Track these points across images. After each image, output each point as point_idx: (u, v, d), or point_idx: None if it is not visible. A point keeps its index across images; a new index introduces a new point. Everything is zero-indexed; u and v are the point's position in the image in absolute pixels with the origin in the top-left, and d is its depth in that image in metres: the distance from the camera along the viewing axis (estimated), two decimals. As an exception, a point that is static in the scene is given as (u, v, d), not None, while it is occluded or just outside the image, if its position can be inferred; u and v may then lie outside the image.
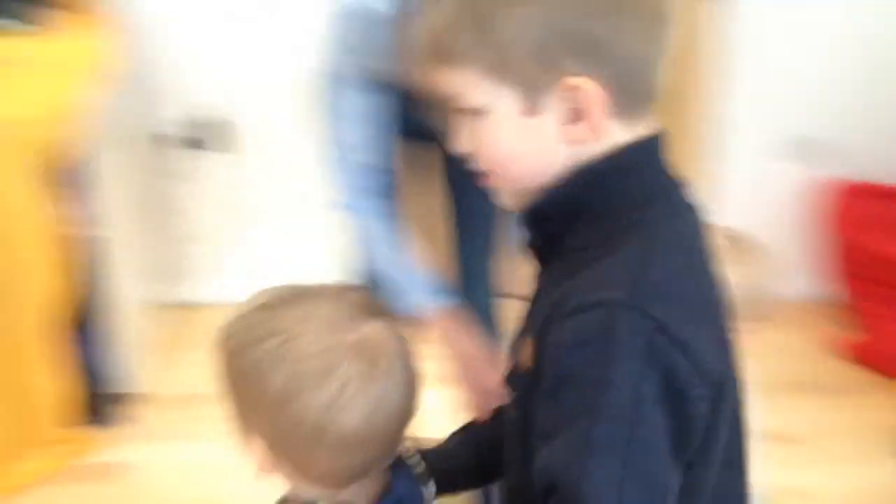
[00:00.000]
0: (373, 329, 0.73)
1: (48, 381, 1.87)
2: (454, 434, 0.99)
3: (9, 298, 1.79)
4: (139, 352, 2.19)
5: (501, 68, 0.69)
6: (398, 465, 0.81)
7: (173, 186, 2.41)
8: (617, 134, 0.71)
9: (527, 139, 0.71)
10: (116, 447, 2.02)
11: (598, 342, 0.64)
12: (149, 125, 2.32)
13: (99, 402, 2.03)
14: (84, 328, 1.94)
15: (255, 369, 0.71)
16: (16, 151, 1.74)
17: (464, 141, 0.74)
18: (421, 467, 0.85)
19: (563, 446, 0.65)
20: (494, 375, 1.06)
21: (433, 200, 1.53)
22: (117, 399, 2.08)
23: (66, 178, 1.82)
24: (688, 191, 0.76)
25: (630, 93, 0.70)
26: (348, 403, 0.69)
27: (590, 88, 0.68)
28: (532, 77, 0.68)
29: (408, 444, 0.82)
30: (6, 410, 1.88)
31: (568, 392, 0.66)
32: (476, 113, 0.72)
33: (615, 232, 0.70)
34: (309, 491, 0.77)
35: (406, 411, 0.75)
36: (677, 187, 0.75)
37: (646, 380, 0.63)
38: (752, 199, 2.36)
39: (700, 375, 0.66)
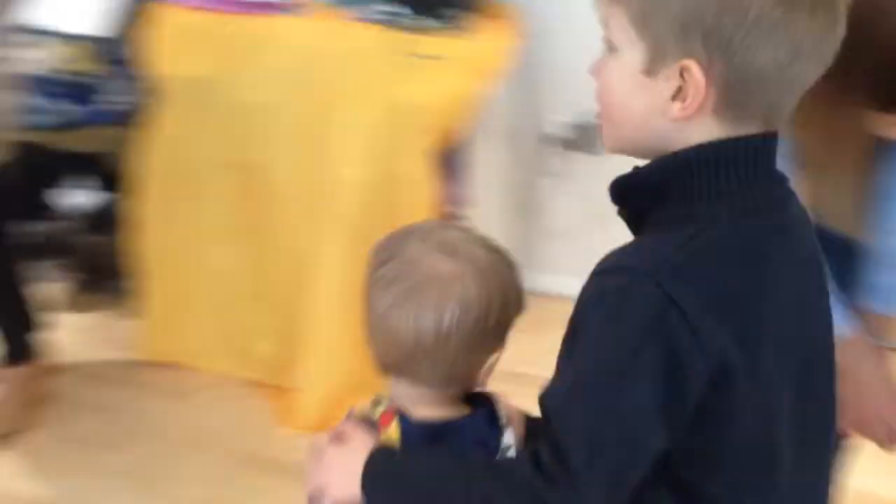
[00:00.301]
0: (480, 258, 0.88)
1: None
2: None
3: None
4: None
5: (644, 22, 0.74)
6: (482, 405, 0.91)
7: (546, 183, 2.59)
8: (714, 129, 0.75)
9: (635, 93, 0.76)
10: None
11: (614, 302, 0.72)
12: (534, 124, 2.52)
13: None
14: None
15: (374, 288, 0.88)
16: (420, 133, 2.03)
17: (595, 67, 0.80)
18: (505, 419, 0.92)
19: (560, 385, 0.74)
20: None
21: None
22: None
23: (449, 160, 2.08)
24: (789, 201, 0.81)
25: (738, 99, 0.73)
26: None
27: (698, 77, 0.72)
28: (663, 43, 0.73)
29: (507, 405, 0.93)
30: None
31: (577, 338, 0.74)
32: (611, 48, 0.77)
33: (681, 216, 0.76)
34: (394, 389, 0.90)
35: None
36: (764, 191, 0.78)
37: (647, 346, 0.70)
38: None
39: (704, 355, 0.70)
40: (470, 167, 2.16)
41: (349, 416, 0.92)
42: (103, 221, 2.52)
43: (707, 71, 0.72)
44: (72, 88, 2.47)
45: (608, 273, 0.75)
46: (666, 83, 0.74)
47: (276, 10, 2.18)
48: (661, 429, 0.72)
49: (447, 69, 2.08)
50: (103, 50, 2.49)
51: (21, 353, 2.10)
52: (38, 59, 2.50)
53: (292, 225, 2.10)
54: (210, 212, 2.21)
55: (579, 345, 0.75)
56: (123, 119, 2.47)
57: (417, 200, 2.05)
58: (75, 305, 2.56)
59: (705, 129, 0.75)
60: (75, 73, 2.48)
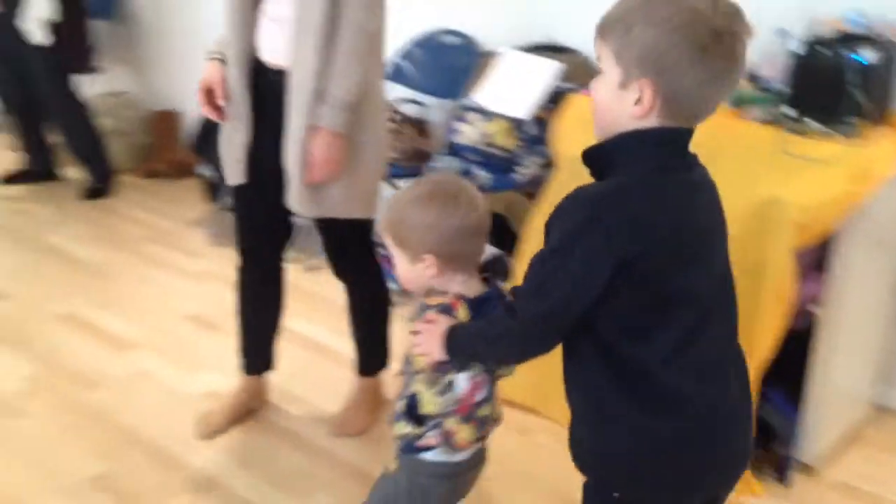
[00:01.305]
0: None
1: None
2: None
3: (747, 336, 2.14)
4: (830, 433, 2.33)
5: (619, 56, 1.16)
6: (493, 281, 1.46)
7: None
8: (655, 123, 1.18)
9: (613, 100, 1.19)
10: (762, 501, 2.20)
11: (568, 214, 1.18)
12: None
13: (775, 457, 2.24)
14: (779, 386, 2.19)
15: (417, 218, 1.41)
16: (789, 229, 2.09)
17: (592, 85, 1.23)
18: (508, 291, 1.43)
19: (533, 258, 1.22)
20: None
21: None
22: (786, 461, 2.26)
23: (812, 258, 2.09)
24: (696, 169, 1.26)
25: (671, 106, 1.16)
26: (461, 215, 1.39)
27: (649, 92, 1.15)
28: (630, 69, 1.15)
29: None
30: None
31: (546, 236, 1.21)
32: (601, 71, 1.20)
33: (622, 171, 1.20)
34: (451, 284, 1.42)
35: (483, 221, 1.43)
36: (682, 161, 1.23)
37: (579, 239, 1.15)
38: None
39: (610, 251, 1.14)
40: (834, 268, 2.16)
41: (426, 309, 1.42)
42: (489, 272, 2.90)
43: (654, 88, 1.14)
44: (488, 158, 2.93)
45: (569, 198, 1.19)
46: (631, 94, 1.16)
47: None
48: (581, 293, 1.18)
49: (825, 171, 2.12)
50: (519, 128, 2.92)
51: (371, 367, 2.47)
52: (469, 132, 3.01)
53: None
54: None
55: (547, 240, 1.21)
56: (524, 188, 2.86)
57: (775, 293, 2.10)
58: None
59: (651, 123, 1.18)
60: (494, 146, 2.93)
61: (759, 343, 2.12)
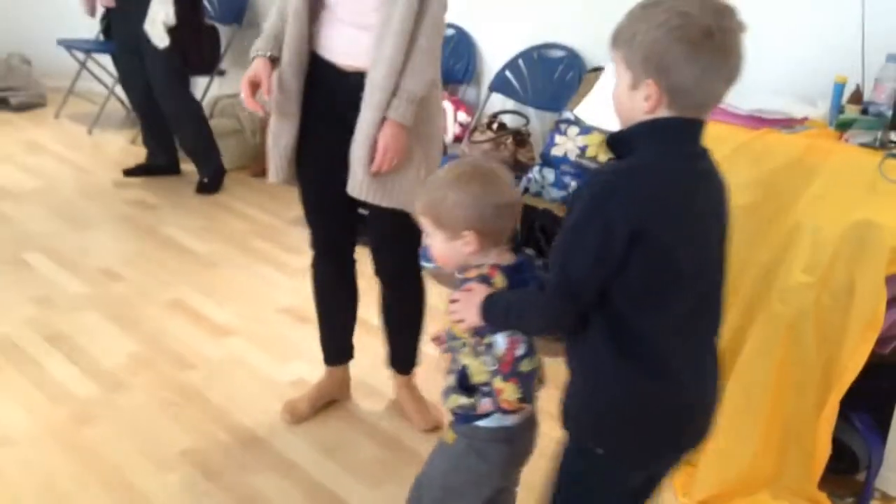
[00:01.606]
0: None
1: (823, 440, 2.12)
2: None
3: (831, 359, 2.10)
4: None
5: (629, 62, 1.31)
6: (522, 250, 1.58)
7: None
8: (665, 114, 1.32)
9: (627, 99, 1.34)
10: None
11: (586, 192, 1.32)
12: None
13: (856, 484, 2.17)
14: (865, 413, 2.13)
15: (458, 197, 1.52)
16: (884, 255, 2.03)
17: (612, 89, 1.37)
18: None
19: (556, 240, 1.36)
20: None
21: None
22: (867, 490, 2.18)
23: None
24: (706, 160, 1.37)
25: (675, 99, 1.30)
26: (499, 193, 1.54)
27: (654, 89, 1.30)
28: (638, 71, 1.31)
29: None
30: (787, 448, 2.20)
31: (568, 214, 1.35)
32: (617, 76, 1.35)
33: (638, 155, 1.32)
34: (486, 259, 1.54)
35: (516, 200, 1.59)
36: (692, 149, 1.36)
37: (595, 216, 1.28)
38: None
39: (627, 218, 1.26)
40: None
41: (464, 282, 1.53)
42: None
43: (658, 85, 1.29)
44: (583, 171, 2.94)
45: (592, 174, 1.41)
46: (641, 93, 1.31)
47: (779, 126, 2.35)
48: (603, 262, 1.28)
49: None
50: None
51: (409, 364, 2.54)
52: (566, 144, 3.03)
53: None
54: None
55: (569, 216, 1.33)
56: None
57: (865, 317, 2.04)
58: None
59: (661, 114, 1.32)
60: (589, 159, 2.94)
61: (843, 365, 2.07)
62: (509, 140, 3.46)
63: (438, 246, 1.58)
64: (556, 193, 3.00)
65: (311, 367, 2.65)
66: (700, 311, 1.38)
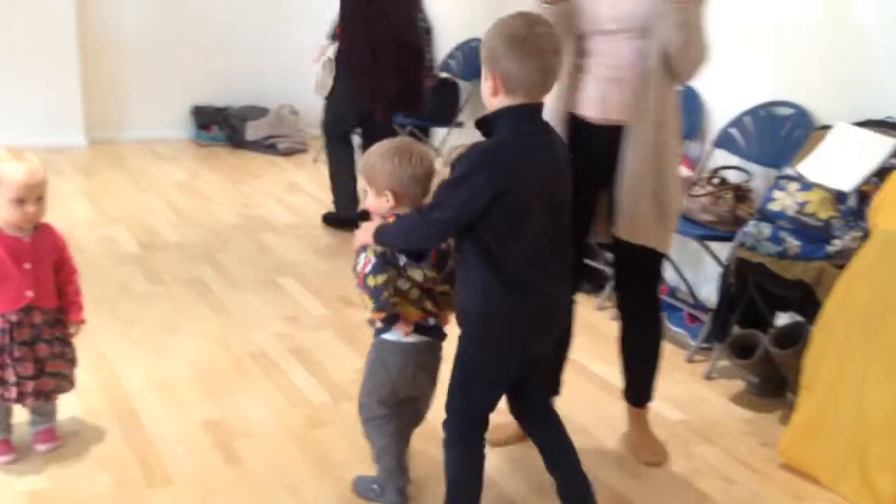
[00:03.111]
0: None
1: None
2: None
3: None
4: None
5: (484, 63, 1.94)
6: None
7: None
8: (504, 102, 1.93)
9: (487, 94, 1.96)
10: None
11: (465, 158, 1.89)
12: None
13: None
14: None
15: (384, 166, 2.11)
16: None
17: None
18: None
19: (440, 185, 1.94)
20: None
21: None
22: None
23: None
24: (547, 133, 2.01)
25: (509, 88, 1.90)
26: (414, 166, 2.10)
27: (491, 81, 1.92)
28: (485, 69, 1.94)
29: None
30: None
31: (451, 171, 1.93)
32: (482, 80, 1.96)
33: (498, 133, 1.94)
34: (400, 211, 2.09)
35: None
36: (535, 126, 1.98)
37: (470, 175, 1.86)
38: None
39: (490, 185, 1.84)
40: None
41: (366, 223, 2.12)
42: (788, 338, 2.89)
43: (496, 78, 1.91)
44: (801, 227, 2.92)
45: (468, 148, 1.93)
46: (489, 83, 1.93)
47: None
48: (467, 210, 1.87)
49: None
50: (840, 200, 2.88)
51: (644, 398, 2.65)
52: (784, 200, 3.03)
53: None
54: (880, 350, 2.39)
55: (452, 172, 1.91)
56: (835, 259, 2.82)
57: None
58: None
59: (500, 102, 1.94)
60: (808, 216, 2.92)
61: None
62: (729, 195, 3.48)
63: (370, 200, 2.15)
64: (772, 248, 3.00)
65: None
66: (550, 243, 1.96)
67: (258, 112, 6.28)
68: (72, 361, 2.46)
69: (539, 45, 1.88)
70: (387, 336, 2.18)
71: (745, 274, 3.06)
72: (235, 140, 6.23)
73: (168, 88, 6.24)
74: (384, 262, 2.08)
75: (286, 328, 3.41)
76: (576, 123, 2.39)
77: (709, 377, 3.18)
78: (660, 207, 2.33)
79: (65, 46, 5.76)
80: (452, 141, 5.31)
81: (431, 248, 2.08)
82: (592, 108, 2.35)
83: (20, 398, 2.33)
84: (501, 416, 2.24)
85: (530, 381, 2.14)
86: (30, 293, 2.29)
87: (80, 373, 2.58)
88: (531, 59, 1.87)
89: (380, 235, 2.05)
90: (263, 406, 2.82)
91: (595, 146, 2.35)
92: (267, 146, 6.16)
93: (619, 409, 2.74)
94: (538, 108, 1.95)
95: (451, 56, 5.42)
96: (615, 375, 3.03)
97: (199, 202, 5.00)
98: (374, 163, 2.10)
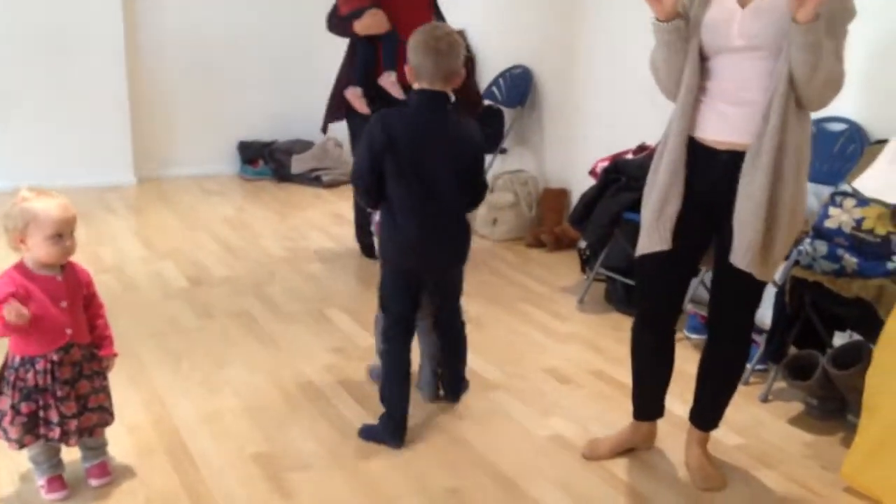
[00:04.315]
0: None
1: None
2: None
3: None
4: None
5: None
6: None
7: None
8: (420, 85, 2.62)
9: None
10: None
11: (370, 125, 2.63)
12: None
13: None
14: None
15: None
16: None
17: None
18: None
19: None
20: None
21: None
22: None
23: None
24: (446, 114, 2.65)
25: (421, 76, 2.60)
26: None
27: (410, 70, 2.62)
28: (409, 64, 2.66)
29: None
30: None
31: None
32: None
33: (403, 108, 2.78)
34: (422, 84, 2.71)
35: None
36: (434, 105, 2.64)
37: (368, 137, 2.61)
38: None
39: (382, 146, 2.58)
40: None
41: None
42: (847, 358, 2.80)
43: (413, 67, 2.60)
44: (859, 243, 2.84)
45: (374, 116, 2.66)
46: (411, 73, 2.63)
47: None
48: (370, 166, 2.61)
49: None
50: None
51: (712, 422, 2.60)
52: (840, 217, 2.95)
53: None
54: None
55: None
56: (893, 274, 2.73)
57: None
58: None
59: (419, 85, 2.62)
60: (865, 232, 2.84)
61: None
62: (781, 213, 3.40)
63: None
64: (828, 266, 2.92)
65: (567, 423, 2.78)
66: (427, 195, 2.62)
67: (303, 145, 6.34)
68: (109, 394, 2.47)
69: (437, 48, 2.56)
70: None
71: (800, 293, 2.97)
72: (281, 174, 6.30)
73: (214, 125, 6.34)
74: None
75: (334, 359, 3.40)
76: (695, 147, 2.33)
77: (765, 399, 3.09)
78: (772, 238, 2.25)
79: (115, 88, 5.89)
80: (497, 167, 5.30)
81: (368, 193, 2.69)
82: (712, 130, 2.30)
83: (63, 437, 2.33)
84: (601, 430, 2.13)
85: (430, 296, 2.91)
86: (69, 330, 2.32)
87: (131, 408, 2.59)
88: (433, 58, 2.56)
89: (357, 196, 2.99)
90: (314, 438, 2.80)
91: (714, 171, 2.30)
92: (312, 179, 6.22)
93: (673, 433, 2.68)
94: (441, 95, 2.62)
95: (494, 84, 5.42)
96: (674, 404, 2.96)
97: (247, 236, 5.05)
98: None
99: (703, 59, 2.30)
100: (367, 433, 2.78)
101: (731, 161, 2.26)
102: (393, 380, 2.76)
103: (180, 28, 6.11)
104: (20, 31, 5.59)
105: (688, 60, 2.29)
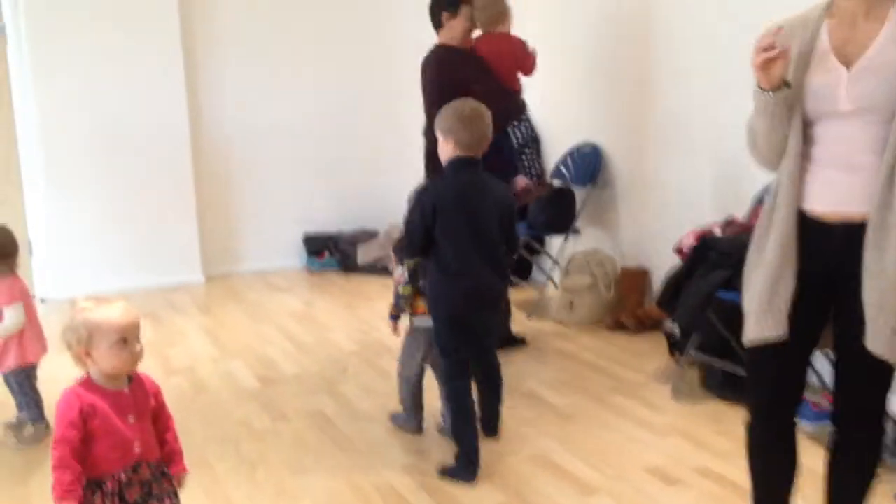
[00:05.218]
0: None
1: None
2: None
3: None
4: None
5: (438, 132, 3.22)
6: None
7: None
8: (455, 154, 3.08)
9: (441, 148, 3.19)
10: None
11: (416, 194, 3.14)
12: None
13: None
14: None
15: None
16: None
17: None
18: None
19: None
20: None
21: None
22: None
23: None
24: (482, 177, 3.07)
25: (457, 146, 3.06)
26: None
27: (448, 145, 3.11)
28: (440, 134, 3.18)
29: None
30: None
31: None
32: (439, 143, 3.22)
33: (445, 176, 3.11)
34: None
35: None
36: (470, 171, 3.06)
37: (418, 203, 3.03)
38: None
39: (432, 211, 2.98)
40: None
41: None
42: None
43: (447, 141, 3.05)
44: None
45: (419, 187, 3.22)
46: (446, 144, 3.08)
47: None
48: (423, 226, 2.98)
49: None
50: None
51: None
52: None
53: None
54: None
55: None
56: None
57: None
58: None
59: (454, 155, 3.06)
60: None
61: None
62: None
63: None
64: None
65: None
66: (475, 247, 2.96)
67: (367, 235, 6.26)
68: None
69: (474, 124, 2.99)
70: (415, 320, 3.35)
71: None
72: (347, 265, 6.21)
73: (279, 219, 6.32)
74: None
75: (415, 460, 3.18)
76: (804, 220, 2.11)
77: (900, 497, 2.77)
78: None
79: (181, 191, 5.92)
80: (570, 249, 5.10)
81: (416, 248, 3.05)
82: (820, 201, 2.09)
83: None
84: None
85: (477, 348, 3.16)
86: (137, 448, 2.15)
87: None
88: (469, 130, 2.98)
89: (397, 251, 3.38)
90: (399, 552, 2.58)
91: (826, 245, 2.08)
92: (379, 269, 6.10)
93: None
94: (475, 160, 3.02)
95: (562, 163, 5.27)
96: None
97: (316, 331, 4.91)
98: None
99: (805, 124, 2.10)
100: (445, 472, 3.06)
101: (845, 234, 2.05)
102: (463, 416, 3.04)
103: (240, 122, 6.15)
104: (85, 129, 5.65)
105: (792, 129, 2.09)
